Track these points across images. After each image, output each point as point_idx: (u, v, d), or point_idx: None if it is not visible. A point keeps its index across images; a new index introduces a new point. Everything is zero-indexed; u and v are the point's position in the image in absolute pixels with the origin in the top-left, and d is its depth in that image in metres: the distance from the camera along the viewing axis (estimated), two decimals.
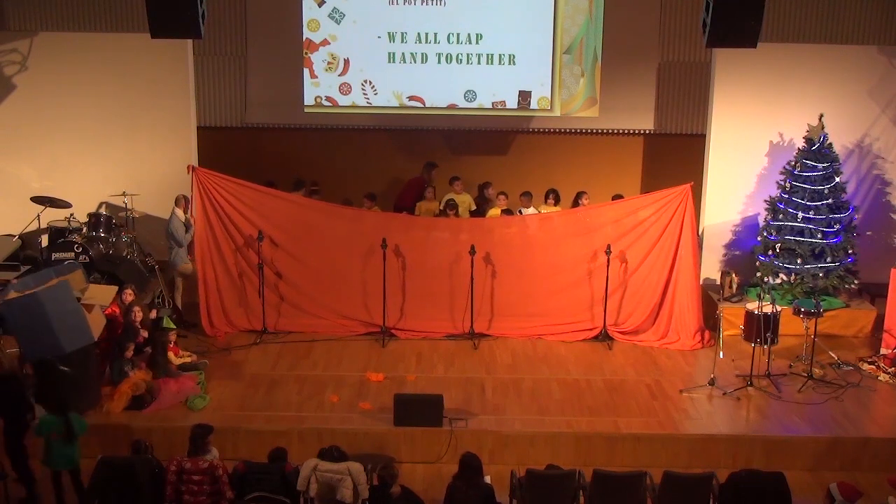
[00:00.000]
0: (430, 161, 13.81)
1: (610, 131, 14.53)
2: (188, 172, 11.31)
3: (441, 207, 13.09)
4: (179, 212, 11.64)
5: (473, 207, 13.38)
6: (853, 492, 7.07)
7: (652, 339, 11.35)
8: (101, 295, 9.88)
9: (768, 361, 10.33)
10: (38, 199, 12.27)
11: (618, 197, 12.67)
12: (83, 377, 9.03)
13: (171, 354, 9.89)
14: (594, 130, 14.53)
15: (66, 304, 8.99)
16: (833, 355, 10.80)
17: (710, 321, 11.24)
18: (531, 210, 12.82)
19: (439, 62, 14.00)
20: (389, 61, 14.02)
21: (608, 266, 11.14)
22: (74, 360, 8.91)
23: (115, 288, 10.29)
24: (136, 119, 12.77)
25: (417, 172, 13.88)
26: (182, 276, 11.73)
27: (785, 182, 11.78)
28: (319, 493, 7.35)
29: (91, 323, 9.27)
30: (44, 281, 9.21)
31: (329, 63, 14.13)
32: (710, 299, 11.91)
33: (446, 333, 11.48)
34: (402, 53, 14.01)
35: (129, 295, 10.17)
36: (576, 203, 12.94)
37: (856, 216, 11.87)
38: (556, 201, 12.88)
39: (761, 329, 10.08)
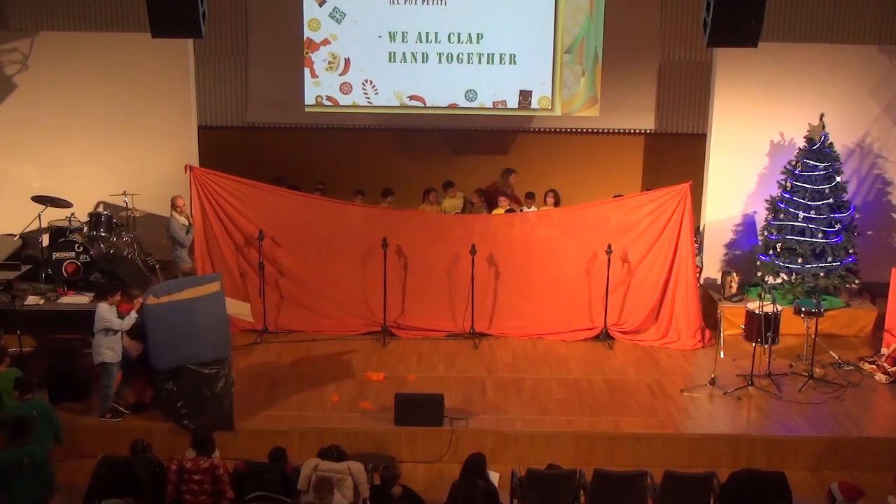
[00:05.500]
0: (507, 168, 13.67)
1: (611, 131, 14.53)
2: (185, 172, 11.31)
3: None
4: (177, 213, 11.64)
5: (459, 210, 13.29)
6: (854, 491, 7.06)
7: (653, 338, 11.34)
8: (236, 309, 10.04)
9: (769, 361, 10.33)
10: (38, 199, 12.24)
11: (618, 197, 12.66)
12: (218, 392, 8.95)
13: None
14: (595, 130, 14.53)
15: (218, 314, 9.06)
16: (834, 355, 10.80)
17: (711, 321, 11.23)
18: (533, 210, 12.81)
19: (440, 62, 14.00)
20: (390, 61, 14.03)
21: (608, 265, 11.14)
22: (213, 376, 8.90)
23: (248, 304, 10.63)
24: (136, 118, 12.75)
25: (418, 172, 13.86)
26: (184, 276, 11.71)
27: (786, 182, 11.78)
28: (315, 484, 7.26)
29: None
30: (178, 288, 9.16)
31: (330, 62, 14.12)
32: (710, 299, 11.92)
33: (447, 333, 11.48)
34: (403, 53, 14.01)
35: (139, 301, 10.12)
36: (543, 201, 12.92)
37: (856, 216, 11.86)
38: (556, 201, 12.88)
39: (762, 329, 10.07)
